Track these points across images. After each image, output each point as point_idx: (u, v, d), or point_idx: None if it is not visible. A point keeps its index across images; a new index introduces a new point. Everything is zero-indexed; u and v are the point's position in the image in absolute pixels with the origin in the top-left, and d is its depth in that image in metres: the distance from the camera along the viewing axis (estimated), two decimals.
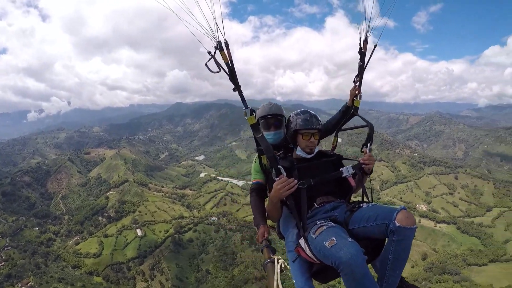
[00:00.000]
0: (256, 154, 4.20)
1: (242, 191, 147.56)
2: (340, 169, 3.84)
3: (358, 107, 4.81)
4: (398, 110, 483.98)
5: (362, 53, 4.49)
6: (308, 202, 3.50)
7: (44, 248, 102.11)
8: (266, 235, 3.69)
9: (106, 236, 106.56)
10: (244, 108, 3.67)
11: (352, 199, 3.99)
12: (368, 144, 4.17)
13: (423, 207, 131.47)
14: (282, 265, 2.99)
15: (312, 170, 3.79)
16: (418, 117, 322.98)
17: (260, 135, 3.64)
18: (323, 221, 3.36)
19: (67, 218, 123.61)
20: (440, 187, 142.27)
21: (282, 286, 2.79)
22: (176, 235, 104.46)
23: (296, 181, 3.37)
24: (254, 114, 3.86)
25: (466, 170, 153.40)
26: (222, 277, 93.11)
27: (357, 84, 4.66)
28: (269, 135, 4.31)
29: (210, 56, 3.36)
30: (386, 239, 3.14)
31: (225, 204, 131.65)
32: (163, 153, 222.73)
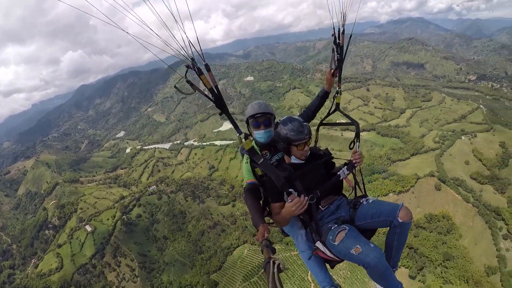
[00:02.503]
0: (246, 156, 4.19)
1: (171, 153, 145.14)
2: (338, 173, 4.04)
3: (339, 103, 4.99)
4: (304, 38, 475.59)
5: (339, 46, 4.54)
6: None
7: (9, 286, 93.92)
8: (266, 235, 3.58)
9: (59, 246, 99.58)
10: (238, 134, 3.54)
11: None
12: (356, 142, 4.44)
13: (342, 121, 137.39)
14: (281, 266, 2.86)
15: (309, 176, 3.86)
16: (324, 41, 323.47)
17: (262, 160, 3.59)
18: (336, 225, 3.66)
19: (15, 247, 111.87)
20: (355, 101, 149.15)
21: (280, 286, 2.70)
22: (123, 216, 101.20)
23: (307, 198, 3.48)
24: (250, 138, 3.82)
25: (376, 82, 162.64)
26: (179, 237, 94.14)
27: (335, 70, 4.69)
28: (259, 134, 4.24)
29: (184, 77, 3.02)
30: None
31: (159, 171, 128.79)
32: (82, 143, 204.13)
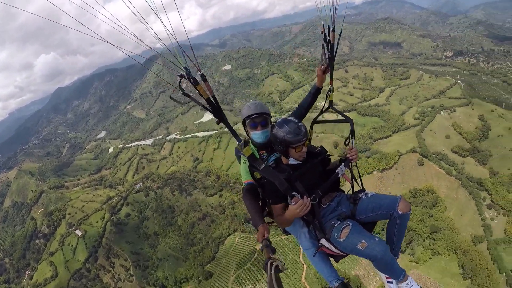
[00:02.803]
0: (243, 157, 4.13)
1: (154, 148, 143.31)
2: (336, 171, 4.11)
3: (332, 101, 4.94)
4: (280, 23, 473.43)
5: (330, 44, 4.43)
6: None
7: None
8: (266, 235, 3.55)
9: (52, 254, 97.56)
10: (237, 142, 3.70)
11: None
12: (351, 139, 4.46)
13: (323, 104, 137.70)
14: (280, 266, 2.82)
15: (307, 175, 3.85)
16: (300, 25, 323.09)
17: (263, 166, 3.64)
18: (339, 222, 3.71)
19: (8, 260, 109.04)
20: (334, 82, 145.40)
21: (278, 286, 2.67)
22: (112, 217, 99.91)
23: (309, 199, 3.50)
24: (249, 145, 3.88)
25: (354, 62, 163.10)
26: (170, 232, 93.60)
27: (326, 67, 4.55)
28: (256, 135, 4.16)
29: (178, 87, 2.95)
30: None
31: (143, 168, 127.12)
32: (64, 147, 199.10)
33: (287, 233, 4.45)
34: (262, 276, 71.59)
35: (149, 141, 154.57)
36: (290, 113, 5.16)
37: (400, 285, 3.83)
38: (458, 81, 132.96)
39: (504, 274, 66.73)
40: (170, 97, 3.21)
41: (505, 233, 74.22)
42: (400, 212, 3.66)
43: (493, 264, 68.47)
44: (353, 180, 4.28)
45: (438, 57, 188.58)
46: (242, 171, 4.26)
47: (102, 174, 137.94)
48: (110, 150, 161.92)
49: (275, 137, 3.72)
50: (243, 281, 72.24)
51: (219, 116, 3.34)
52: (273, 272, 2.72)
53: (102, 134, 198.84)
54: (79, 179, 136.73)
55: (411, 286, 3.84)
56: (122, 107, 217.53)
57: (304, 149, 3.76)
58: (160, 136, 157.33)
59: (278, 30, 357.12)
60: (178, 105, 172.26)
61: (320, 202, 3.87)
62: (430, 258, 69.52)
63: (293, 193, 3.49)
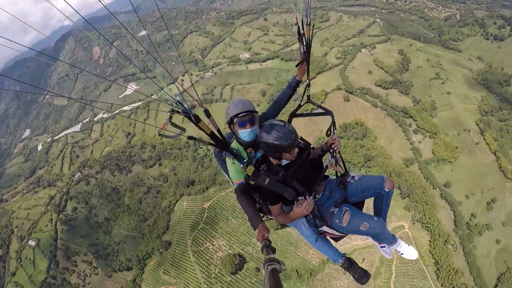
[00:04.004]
0: (230, 158, 3.94)
1: (84, 133, 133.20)
2: (325, 164, 4.13)
3: (310, 95, 4.86)
4: None
5: (303, 36, 4.42)
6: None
7: None
8: (266, 235, 3.48)
9: (13, 274, 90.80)
10: (241, 165, 3.49)
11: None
12: (333, 129, 4.51)
13: (246, 55, 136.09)
14: (277, 268, 2.65)
15: (300, 172, 3.82)
16: None
17: (268, 180, 3.49)
18: (337, 209, 3.89)
19: None
20: (254, 32, 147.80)
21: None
22: (60, 216, 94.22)
23: (311, 197, 3.58)
24: (252, 164, 3.65)
25: (273, 10, 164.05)
26: (120, 214, 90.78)
27: (301, 60, 4.54)
28: (245, 133, 3.97)
29: (168, 122, 2.61)
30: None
31: (77, 156, 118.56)
32: None
33: (283, 226, 4.41)
34: (217, 232, 71.88)
35: (77, 127, 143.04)
36: (265, 111, 4.72)
37: (391, 247, 4.43)
38: (377, 19, 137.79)
39: (437, 189, 73.20)
40: (159, 135, 2.69)
41: (433, 153, 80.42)
42: (387, 190, 3.94)
43: (426, 181, 74.38)
44: (339, 166, 4.36)
45: None
46: (232, 172, 4.05)
47: (38, 175, 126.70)
48: (39, 147, 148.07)
49: (266, 145, 3.56)
50: (200, 241, 72.22)
51: (225, 148, 3.11)
52: (267, 276, 2.53)
53: (27, 132, 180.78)
54: (15, 188, 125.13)
55: (401, 246, 4.43)
56: (41, 98, 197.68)
57: (296, 149, 3.71)
58: (87, 119, 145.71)
59: None
60: (100, 82, 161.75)
61: (315, 193, 3.93)
62: None
63: (299, 197, 3.50)
